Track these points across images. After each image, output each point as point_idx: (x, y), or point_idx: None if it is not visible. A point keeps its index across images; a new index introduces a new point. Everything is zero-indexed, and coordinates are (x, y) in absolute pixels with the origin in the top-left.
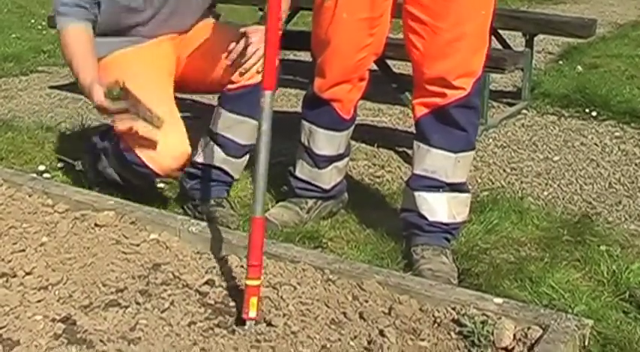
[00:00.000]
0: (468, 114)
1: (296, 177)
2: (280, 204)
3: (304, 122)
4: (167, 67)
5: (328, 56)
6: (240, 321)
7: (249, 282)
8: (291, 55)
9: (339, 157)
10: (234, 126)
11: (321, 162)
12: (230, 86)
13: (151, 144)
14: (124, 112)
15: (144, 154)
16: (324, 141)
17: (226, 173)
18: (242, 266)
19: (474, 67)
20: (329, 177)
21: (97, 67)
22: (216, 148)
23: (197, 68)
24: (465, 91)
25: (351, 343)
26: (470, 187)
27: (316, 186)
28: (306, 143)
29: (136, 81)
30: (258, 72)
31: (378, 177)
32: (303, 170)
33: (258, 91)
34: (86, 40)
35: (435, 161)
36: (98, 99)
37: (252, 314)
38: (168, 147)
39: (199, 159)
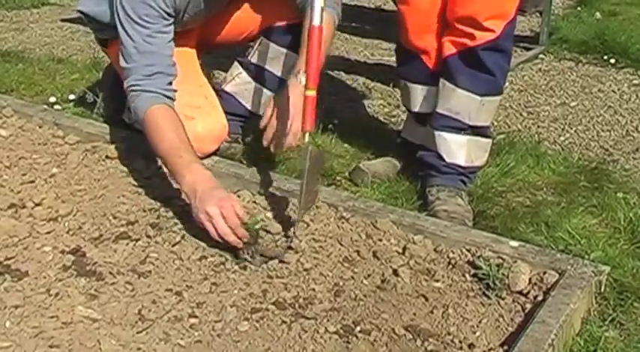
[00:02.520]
0: (496, 58)
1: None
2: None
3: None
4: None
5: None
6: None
7: (307, 93)
8: None
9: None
10: (276, 58)
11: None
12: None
13: None
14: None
15: None
16: (420, 97)
17: (248, 107)
18: (255, 202)
19: (505, 8)
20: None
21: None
22: (250, 80)
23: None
24: (494, 34)
25: (365, 281)
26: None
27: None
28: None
29: None
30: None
31: (393, 116)
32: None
33: None
34: (179, 125)
35: (459, 102)
36: (231, 219)
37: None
38: (207, 133)
39: (227, 88)
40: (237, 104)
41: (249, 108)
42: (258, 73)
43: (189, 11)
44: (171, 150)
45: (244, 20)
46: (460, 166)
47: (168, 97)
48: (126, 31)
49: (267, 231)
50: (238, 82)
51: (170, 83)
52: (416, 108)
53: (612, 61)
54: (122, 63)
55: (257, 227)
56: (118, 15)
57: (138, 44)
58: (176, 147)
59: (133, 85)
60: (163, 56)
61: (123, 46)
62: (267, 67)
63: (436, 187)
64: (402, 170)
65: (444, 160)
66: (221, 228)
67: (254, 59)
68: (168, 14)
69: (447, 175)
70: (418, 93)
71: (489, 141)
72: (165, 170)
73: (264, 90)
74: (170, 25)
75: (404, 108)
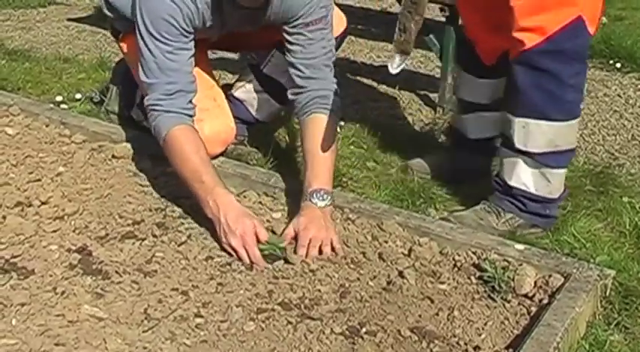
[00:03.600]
0: (532, 76)
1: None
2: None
3: None
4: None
5: None
6: None
7: None
8: None
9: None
10: (288, 72)
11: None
12: None
13: None
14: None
15: None
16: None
17: (256, 116)
18: (260, 203)
19: (544, 22)
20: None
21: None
22: (260, 90)
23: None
24: (522, 46)
25: (370, 283)
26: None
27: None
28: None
29: None
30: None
31: (399, 118)
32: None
33: None
34: (201, 146)
35: (504, 121)
36: (253, 255)
37: None
38: (214, 136)
39: (236, 93)
40: (245, 111)
41: (257, 117)
42: (268, 84)
43: (206, 30)
44: (194, 174)
45: (259, 33)
46: (508, 185)
47: (188, 116)
48: (146, 45)
49: (274, 232)
50: (248, 89)
51: (190, 101)
52: (459, 94)
53: (618, 65)
54: (142, 76)
55: (276, 250)
56: (139, 27)
57: (159, 60)
58: (198, 171)
59: (154, 105)
60: (184, 73)
61: (143, 58)
62: (278, 79)
63: (485, 200)
64: (407, 169)
65: (497, 175)
66: (244, 260)
67: (266, 70)
68: (189, 32)
69: (495, 190)
70: (465, 80)
71: (552, 170)
72: (172, 171)
73: (273, 101)
74: (190, 41)
75: (410, 110)
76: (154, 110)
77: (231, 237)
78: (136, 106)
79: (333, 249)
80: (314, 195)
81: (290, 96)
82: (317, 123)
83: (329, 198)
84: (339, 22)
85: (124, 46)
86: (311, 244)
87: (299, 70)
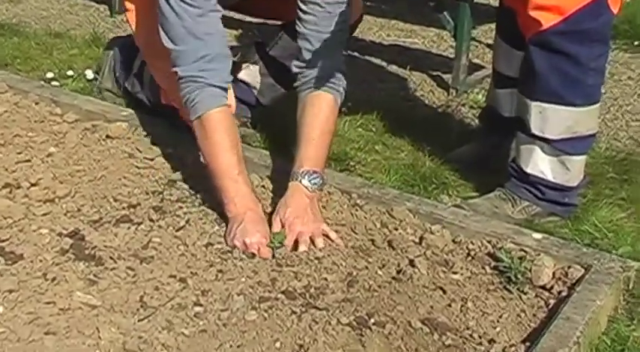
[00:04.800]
0: (550, 59)
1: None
2: None
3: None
4: None
5: None
6: None
7: None
8: None
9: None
10: (294, 56)
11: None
12: None
13: None
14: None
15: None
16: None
17: (259, 99)
18: (263, 186)
19: (559, 0)
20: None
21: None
22: (265, 73)
23: None
24: (538, 26)
25: (379, 272)
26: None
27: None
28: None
29: None
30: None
31: (409, 100)
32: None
33: None
34: (235, 135)
35: (519, 105)
36: (258, 241)
37: None
38: None
39: (240, 75)
40: (249, 93)
41: (260, 100)
42: (274, 67)
43: None
44: (228, 168)
45: (274, 3)
46: (524, 172)
47: (226, 91)
48: (172, 8)
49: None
50: (253, 71)
51: (229, 66)
52: (496, 66)
53: None
54: (168, 44)
55: (279, 240)
56: None
57: (188, 24)
58: (234, 166)
59: (194, 76)
60: (220, 36)
61: (168, 23)
62: (285, 62)
63: (501, 187)
64: (418, 157)
65: (513, 160)
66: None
67: (273, 52)
68: None
69: (511, 176)
70: (503, 50)
71: (570, 158)
72: (171, 152)
73: (278, 86)
74: (217, 3)
75: (421, 92)
76: (194, 82)
77: (249, 236)
78: (132, 75)
79: (329, 238)
80: (305, 176)
81: (294, 69)
82: (319, 101)
83: (320, 181)
84: (356, 9)
85: (129, 2)
86: (301, 240)
87: (309, 43)
